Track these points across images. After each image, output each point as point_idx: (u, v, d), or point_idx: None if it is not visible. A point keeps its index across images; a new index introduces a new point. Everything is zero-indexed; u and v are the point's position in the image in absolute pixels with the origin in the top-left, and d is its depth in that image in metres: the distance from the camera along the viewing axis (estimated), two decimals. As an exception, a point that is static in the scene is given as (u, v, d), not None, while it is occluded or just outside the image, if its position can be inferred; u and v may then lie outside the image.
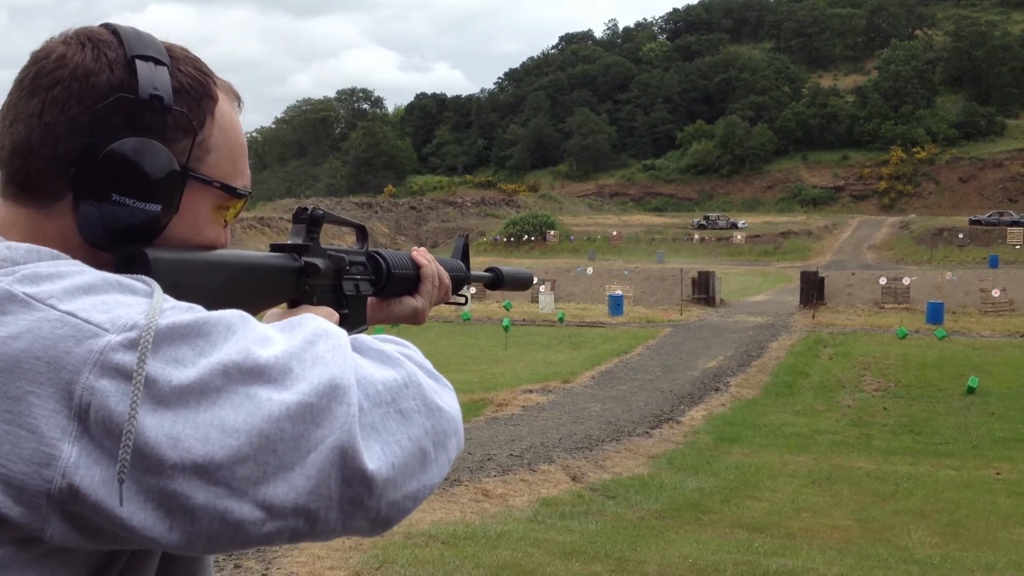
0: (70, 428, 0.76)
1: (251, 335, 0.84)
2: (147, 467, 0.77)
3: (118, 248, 0.91)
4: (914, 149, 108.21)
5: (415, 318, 1.40)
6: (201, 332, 0.82)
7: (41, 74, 0.92)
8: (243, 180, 1.05)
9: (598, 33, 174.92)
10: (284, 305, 1.15)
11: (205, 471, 0.78)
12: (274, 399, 0.81)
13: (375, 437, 0.85)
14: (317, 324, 0.90)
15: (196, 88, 0.98)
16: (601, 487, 10.23)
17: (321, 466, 0.81)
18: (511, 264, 2.04)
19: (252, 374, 0.81)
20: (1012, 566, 7.81)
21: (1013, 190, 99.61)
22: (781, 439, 13.29)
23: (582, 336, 25.63)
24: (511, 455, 11.11)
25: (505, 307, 30.39)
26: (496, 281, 1.78)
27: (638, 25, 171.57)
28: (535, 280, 37.77)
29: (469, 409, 14.03)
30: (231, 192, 1.02)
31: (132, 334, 0.78)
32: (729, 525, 8.94)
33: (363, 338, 0.97)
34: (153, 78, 0.93)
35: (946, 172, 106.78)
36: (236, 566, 6.23)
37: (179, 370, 0.79)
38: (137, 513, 0.77)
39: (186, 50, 1.01)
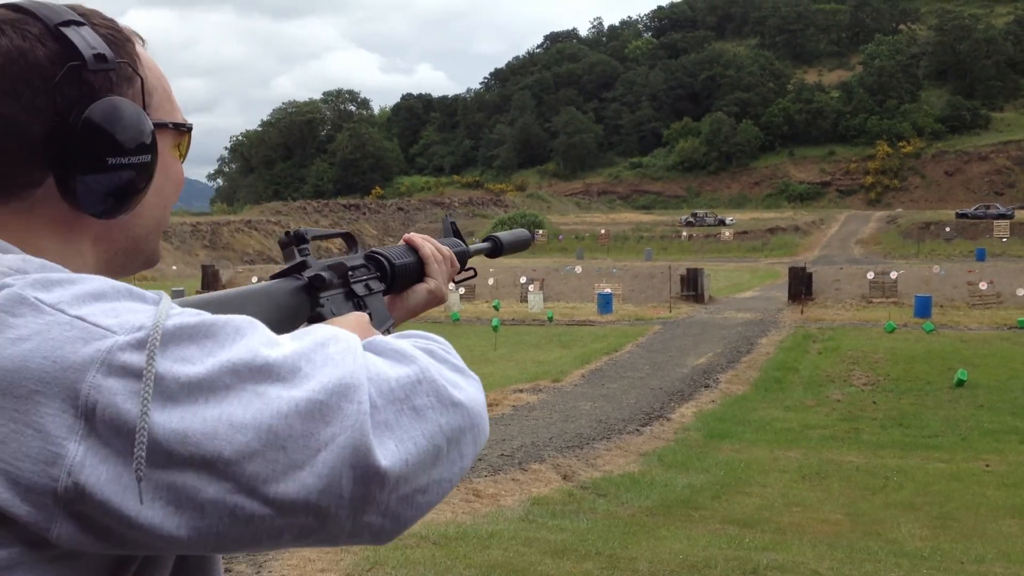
0: (76, 427, 0.76)
1: (260, 338, 0.84)
2: (155, 463, 0.77)
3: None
4: (900, 143, 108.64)
5: (434, 300, 1.41)
6: (209, 333, 0.82)
7: None
8: (180, 114, 1.07)
9: (583, 32, 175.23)
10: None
11: (214, 467, 0.77)
12: (283, 396, 0.80)
13: (389, 435, 0.84)
14: (327, 329, 0.90)
15: (117, 37, 0.98)
16: (592, 485, 10.24)
17: (333, 464, 0.81)
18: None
19: (261, 372, 0.81)
20: (1001, 557, 7.84)
21: (999, 183, 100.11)
22: (771, 434, 13.31)
23: (571, 335, 25.63)
24: (502, 455, 11.11)
25: (494, 307, 30.38)
26: (496, 249, 1.76)
27: (623, 23, 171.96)
28: (524, 279, 37.53)
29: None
30: (180, 128, 1.05)
31: (140, 334, 0.79)
32: (720, 521, 8.96)
33: (380, 338, 0.96)
34: (87, 40, 0.93)
35: (932, 166, 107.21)
36: (227, 570, 6.22)
37: (187, 367, 0.79)
38: (145, 510, 0.77)
39: (81, 4, 1.00)
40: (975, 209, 67.23)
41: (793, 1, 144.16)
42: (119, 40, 0.98)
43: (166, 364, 0.78)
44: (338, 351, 0.86)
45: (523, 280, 36.95)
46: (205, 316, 0.84)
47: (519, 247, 1.83)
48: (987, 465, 11.52)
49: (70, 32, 0.92)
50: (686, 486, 10.33)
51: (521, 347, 23.06)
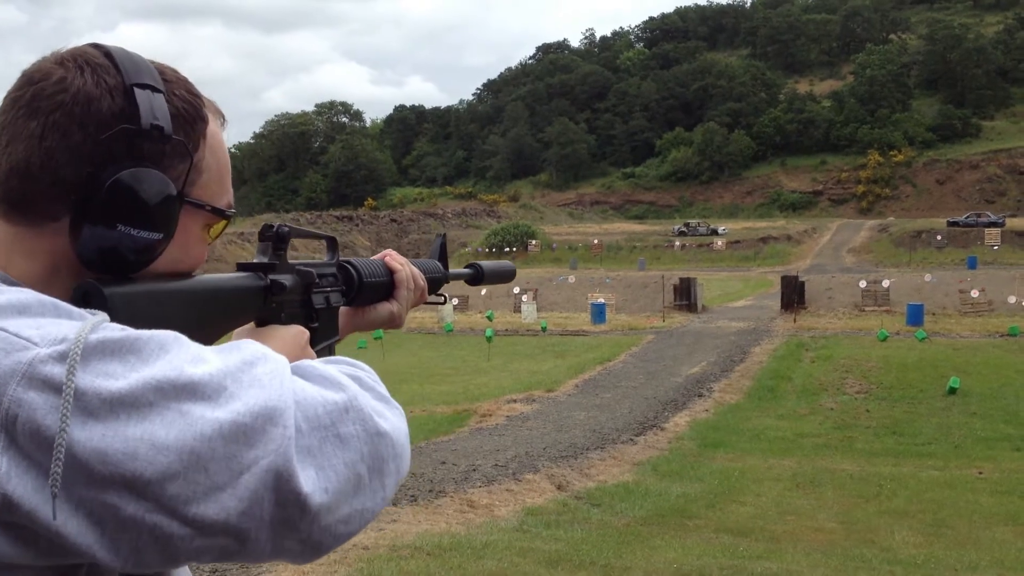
0: None
1: (184, 355, 0.84)
2: (75, 480, 0.76)
3: (76, 283, 0.91)
4: (891, 152, 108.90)
5: (393, 322, 1.40)
6: (132, 348, 0.81)
7: (40, 96, 0.92)
8: (228, 198, 1.07)
9: (575, 43, 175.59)
10: (252, 324, 1.14)
11: (134, 486, 0.77)
12: (207, 417, 0.80)
13: (311, 461, 0.85)
14: (256, 348, 0.90)
15: (190, 112, 0.99)
16: (586, 495, 10.24)
17: (255, 488, 0.81)
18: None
19: (185, 390, 0.81)
20: (995, 564, 7.86)
21: (990, 191, 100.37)
22: (765, 443, 13.33)
23: (565, 345, 25.64)
24: (496, 465, 11.11)
25: (488, 317, 30.37)
26: (477, 277, 1.76)
27: (615, 34, 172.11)
28: (517, 290, 37.47)
29: (453, 420, 14.03)
30: (219, 214, 1.04)
31: (62, 347, 0.78)
32: (714, 530, 8.96)
33: (308, 363, 0.96)
34: (153, 107, 0.94)
35: (923, 175, 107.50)
36: (221, 582, 6.21)
37: (109, 382, 0.78)
38: (68, 523, 0.77)
39: (176, 71, 1.02)
40: (966, 217, 67.34)
41: (784, 11, 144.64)
42: (190, 116, 0.99)
43: (88, 379, 0.78)
44: (266, 372, 0.86)
45: (516, 290, 36.95)
46: (130, 331, 0.83)
47: (502, 278, 1.82)
48: (980, 472, 11.54)
49: (140, 95, 0.93)
50: (680, 495, 10.33)
51: (515, 357, 23.06)
